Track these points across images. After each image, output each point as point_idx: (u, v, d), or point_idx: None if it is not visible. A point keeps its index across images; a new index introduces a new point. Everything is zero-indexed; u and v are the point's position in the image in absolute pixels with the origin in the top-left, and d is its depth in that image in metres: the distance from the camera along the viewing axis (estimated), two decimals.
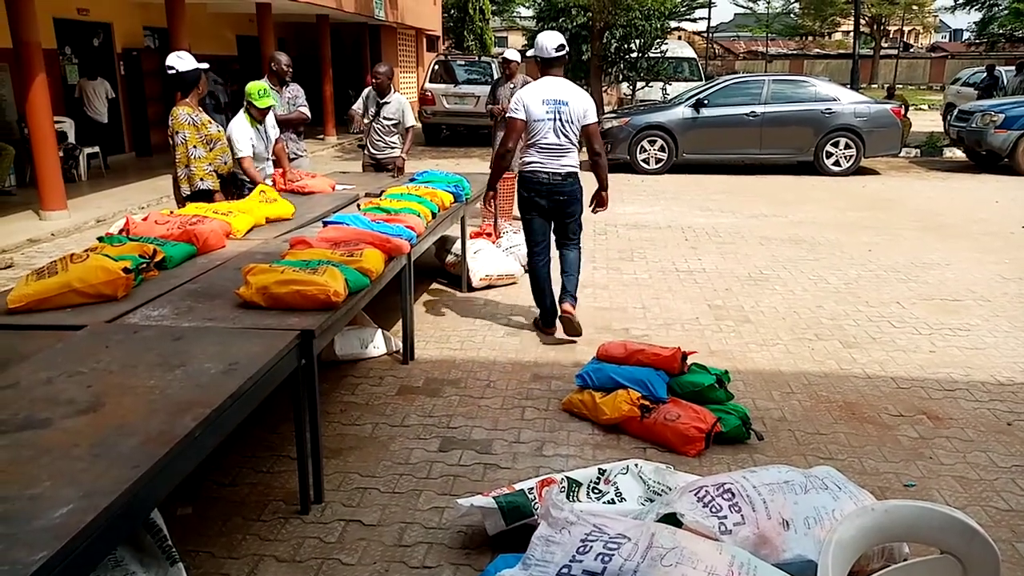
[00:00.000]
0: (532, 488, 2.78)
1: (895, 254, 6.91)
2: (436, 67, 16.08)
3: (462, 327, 5.00)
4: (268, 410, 3.36)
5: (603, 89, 15.88)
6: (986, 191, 10.62)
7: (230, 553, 2.65)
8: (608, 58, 15.99)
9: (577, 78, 18.72)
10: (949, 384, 4.14)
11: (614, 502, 2.81)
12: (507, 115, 4.68)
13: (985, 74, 17.68)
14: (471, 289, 5.74)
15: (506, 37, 43.74)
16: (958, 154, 13.72)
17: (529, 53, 5.11)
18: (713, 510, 2.51)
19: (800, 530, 2.47)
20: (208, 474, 3.14)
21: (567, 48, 4.69)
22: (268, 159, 5.62)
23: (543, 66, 4.62)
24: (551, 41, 4.58)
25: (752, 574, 2.17)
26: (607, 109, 15.24)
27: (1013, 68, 17.71)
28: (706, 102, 11.93)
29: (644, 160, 11.97)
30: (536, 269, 4.78)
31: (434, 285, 5.94)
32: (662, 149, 11.92)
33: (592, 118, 4.60)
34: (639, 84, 16.32)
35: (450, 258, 5.98)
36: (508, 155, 4.64)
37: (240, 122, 5.34)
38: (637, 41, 15.71)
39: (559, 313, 4.74)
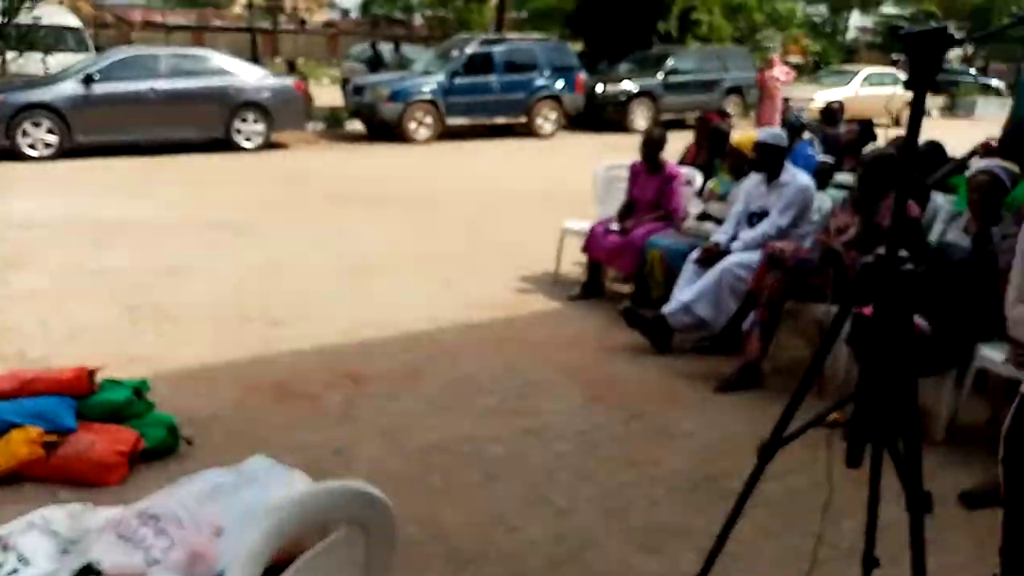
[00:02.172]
0: None
1: (313, 226, 7.26)
2: None
3: None
4: None
5: None
6: (385, 159, 11.92)
7: None
8: None
9: None
10: (366, 344, 4.50)
11: (18, 571, 2.34)
12: None
13: (371, 50, 19.63)
14: None
15: None
16: (359, 126, 14.98)
17: None
18: (137, 542, 2.28)
19: (235, 533, 2.39)
20: None
21: None
22: None
23: None
24: None
25: None
26: None
27: (392, 45, 20.11)
28: (97, 77, 10.79)
29: (30, 145, 10.31)
30: None
31: None
32: (51, 132, 10.43)
33: None
34: (10, 55, 13.96)
35: None
36: None
37: None
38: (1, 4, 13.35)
39: None
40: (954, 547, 2.83)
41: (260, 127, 11.86)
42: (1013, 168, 3.59)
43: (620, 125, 15.47)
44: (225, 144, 11.66)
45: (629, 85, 16.08)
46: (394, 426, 3.54)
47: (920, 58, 1.65)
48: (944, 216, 4.01)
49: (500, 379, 4.10)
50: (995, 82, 27.20)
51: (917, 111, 1.72)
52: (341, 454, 3.28)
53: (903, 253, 1.76)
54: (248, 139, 11.82)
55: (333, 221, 7.53)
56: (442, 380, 4.06)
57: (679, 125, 14.58)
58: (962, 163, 5.20)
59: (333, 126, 15.17)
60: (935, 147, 5.40)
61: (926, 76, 1.67)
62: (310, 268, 5.94)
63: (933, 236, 3.83)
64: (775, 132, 4.58)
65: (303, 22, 47.27)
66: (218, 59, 12.15)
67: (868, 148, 5.35)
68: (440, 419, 3.63)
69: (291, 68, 16.95)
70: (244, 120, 11.75)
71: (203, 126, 11.52)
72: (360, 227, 7.32)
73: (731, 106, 16.64)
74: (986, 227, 3.46)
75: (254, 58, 18.06)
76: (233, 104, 11.61)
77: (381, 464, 3.21)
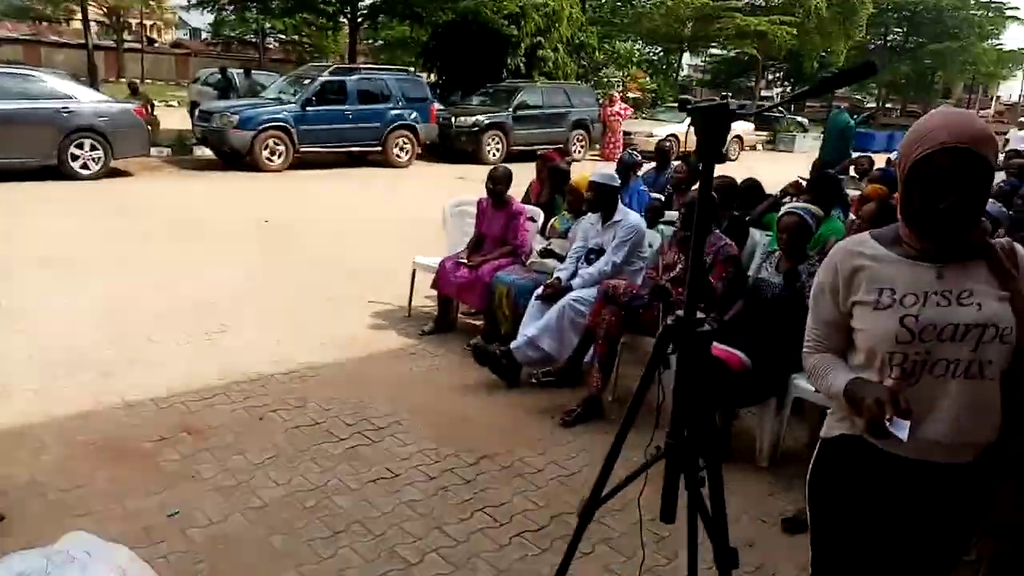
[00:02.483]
0: None
1: (154, 262, 6.89)
2: None
3: None
4: None
5: None
6: (235, 188, 11.51)
7: None
8: None
9: None
10: (208, 391, 4.31)
11: None
12: None
13: (220, 75, 18.85)
14: None
15: None
16: (208, 152, 14.31)
17: None
18: None
19: None
20: None
21: None
22: None
23: None
24: None
25: None
26: None
27: (243, 71, 19.44)
28: None
29: None
30: None
31: None
32: None
33: None
34: None
35: None
36: None
37: None
38: None
39: None
40: (781, 570, 3.03)
41: (98, 153, 11.17)
42: (817, 211, 3.94)
43: (473, 155, 15.79)
44: (57, 171, 10.88)
45: (481, 117, 16.38)
46: (234, 483, 3.41)
47: (707, 130, 1.78)
48: (761, 252, 4.33)
49: (350, 424, 4.04)
50: (800, 119, 29.90)
51: (707, 180, 1.85)
52: (176, 519, 3.12)
53: (700, 314, 1.90)
54: (84, 166, 11.10)
55: (176, 256, 7.18)
56: (288, 428, 3.96)
57: (530, 156, 14.94)
58: (776, 201, 5.63)
59: (181, 152, 14.51)
60: (754, 184, 5.82)
61: (713, 147, 1.79)
62: (149, 309, 5.62)
63: (751, 271, 4.12)
64: (607, 173, 4.79)
65: (151, 41, 44.99)
66: (48, 80, 11.32)
67: (695, 187, 5.67)
68: (285, 472, 3.53)
69: (133, 91, 15.94)
70: (80, 146, 11.03)
71: (32, 152, 10.69)
72: (205, 261, 7.02)
73: (576, 139, 17.47)
74: (795, 265, 3.77)
75: (91, 78, 16.94)
76: (66, 129, 10.85)
77: (219, 527, 3.09)
